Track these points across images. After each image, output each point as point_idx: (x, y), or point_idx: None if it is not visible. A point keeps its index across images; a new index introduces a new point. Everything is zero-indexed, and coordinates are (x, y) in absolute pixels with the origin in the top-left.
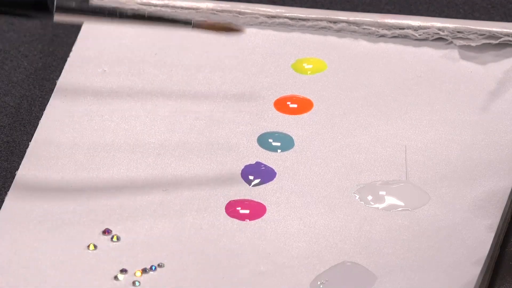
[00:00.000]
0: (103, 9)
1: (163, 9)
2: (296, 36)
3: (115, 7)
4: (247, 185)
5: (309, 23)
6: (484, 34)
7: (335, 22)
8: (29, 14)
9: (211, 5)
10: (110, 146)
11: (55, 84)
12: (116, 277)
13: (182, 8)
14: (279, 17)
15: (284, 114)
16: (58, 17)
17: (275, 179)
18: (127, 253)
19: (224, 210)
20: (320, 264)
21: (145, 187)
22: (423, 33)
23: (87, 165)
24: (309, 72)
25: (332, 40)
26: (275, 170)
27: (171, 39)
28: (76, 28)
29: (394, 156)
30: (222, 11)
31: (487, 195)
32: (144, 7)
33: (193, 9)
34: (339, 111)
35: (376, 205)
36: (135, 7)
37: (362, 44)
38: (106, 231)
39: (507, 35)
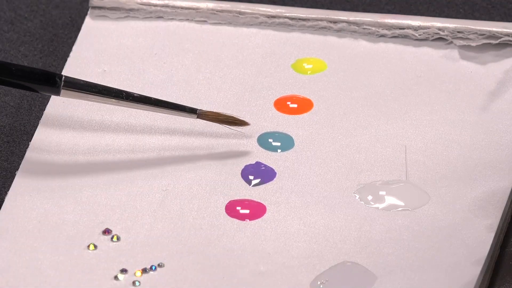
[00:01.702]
0: (110, 90)
1: (163, 9)
2: (296, 36)
3: (121, 90)
4: (247, 185)
5: (309, 23)
6: (484, 34)
7: (335, 22)
8: (36, 88)
9: (211, 5)
10: (110, 146)
11: None
12: (116, 277)
13: (182, 8)
14: (279, 17)
15: (284, 114)
16: (65, 94)
17: (275, 179)
18: (127, 253)
19: (224, 210)
20: (320, 264)
21: (145, 187)
22: (423, 33)
23: (87, 165)
24: (309, 72)
25: (332, 40)
26: (275, 170)
27: (171, 39)
28: (76, 28)
29: (394, 156)
30: (222, 11)
31: (487, 195)
32: (144, 7)
33: (193, 9)
34: (339, 111)
35: (376, 205)
36: (135, 7)
37: (362, 44)
38: (106, 231)
39: (507, 35)
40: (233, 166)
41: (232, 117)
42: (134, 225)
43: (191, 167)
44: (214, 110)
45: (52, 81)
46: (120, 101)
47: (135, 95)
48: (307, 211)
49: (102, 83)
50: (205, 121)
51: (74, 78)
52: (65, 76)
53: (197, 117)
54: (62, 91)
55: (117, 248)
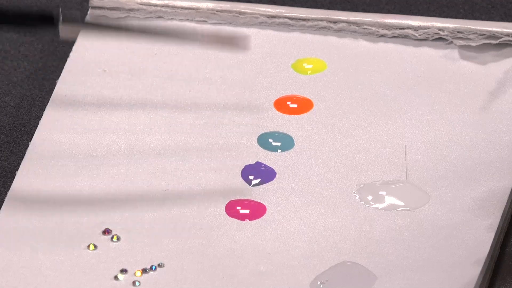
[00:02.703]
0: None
1: (163, 9)
2: (296, 36)
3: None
4: (247, 185)
5: (309, 23)
6: (484, 34)
7: (335, 22)
8: (35, 27)
9: (211, 5)
10: (110, 146)
11: (55, 84)
12: (116, 277)
13: (182, 8)
14: (279, 17)
15: (284, 114)
16: (63, 30)
17: (275, 179)
18: (127, 253)
19: (224, 210)
20: (320, 264)
21: (145, 187)
22: (423, 33)
23: (87, 165)
24: (309, 72)
25: (332, 40)
26: (275, 170)
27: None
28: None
29: (394, 156)
30: (222, 11)
31: (487, 195)
32: (144, 7)
33: (193, 9)
34: (339, 111)
35: (376, 205)
36: (135, 7)
37: (362, 44)
38: (106, 231)
39: (507, 35)
40: (233, 166)
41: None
42: (134, 225)
43: (191, 167)
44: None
45: (49, 18)
46: (120, 31)
47: (134, 24)
48: (307, 211)
49: (102, 83)
50: (205, 121)
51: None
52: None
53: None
54: (61, 27)
55: (117, 248)
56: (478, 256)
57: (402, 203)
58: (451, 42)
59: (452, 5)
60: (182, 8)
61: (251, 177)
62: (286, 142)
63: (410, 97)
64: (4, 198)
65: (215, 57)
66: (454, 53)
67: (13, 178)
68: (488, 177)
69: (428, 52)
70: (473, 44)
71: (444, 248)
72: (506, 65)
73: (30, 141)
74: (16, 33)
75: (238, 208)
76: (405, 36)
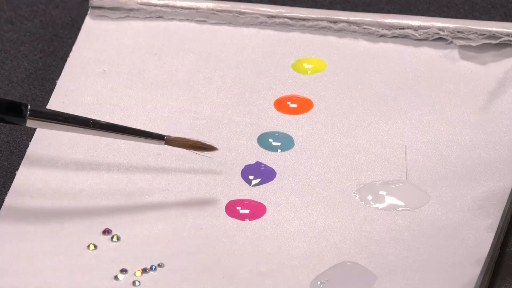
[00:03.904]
0: (76, 118)
1: (163, 9)
2: (296, 36)
3: (88, 118)
4: (247, 185)
5: (309, 23)
6: (484, 34)
7: (335, 22)
8: (3, 118)
9: (211, 5)
10: (110, 146)
11: (55, 84)
12: (116, 277)
13: (182, 8)
14: (279, 17)
15: (284, 114)
16: (31, 123)
17: (275, 179)
18: (127, 253)
19: (224, 210)
20: (320, 264)
21: (145, 187)
22: (423, 33)
23: (87, 165)
24: (309, 72)
25: (332, 40)
26: (275, 170)
27: (171, 39)
28: (76, 28)
29: (394, 156)
30: (222, 11)
31: (487, 195)
32: (144, 7)
33: (193, 9)
34: (339, 111)
35: (376, 205)
36: (135, 7)
37: (362, 44)
38: (106, 231)
39: (507, 35)
40: (233, 166)
41: (200, 142)
42: (134, 225)
43: (191, 167)
44: (181, 136)
45: (18, 111)
46: (87, 129)
47: (102, 122)
48: (307, 211)
49: (102, 83)
50: (204, 121)
51: (40, 107)
52: (30, 105)
53: (165, 143)
54: (28, 120)
55: (117, 248)
56: (478, 256)
57: (402, 203)
58: (451, 42)
59: (452, 5)
60: (182, 8)
61: (251, 177)
62: (286, 142)
63: (410, 97)
64: (4, 198)
65: (215, 57)
66: (454, 53)
67: (13, 178)
68: (488, 177)
69: (428, 52)
70: (473, 44)
71: (444, 248)
72: (506, 65)
73: (30, 141)
74: (15, 33)
75: (238, 208)
76: (405, 36)
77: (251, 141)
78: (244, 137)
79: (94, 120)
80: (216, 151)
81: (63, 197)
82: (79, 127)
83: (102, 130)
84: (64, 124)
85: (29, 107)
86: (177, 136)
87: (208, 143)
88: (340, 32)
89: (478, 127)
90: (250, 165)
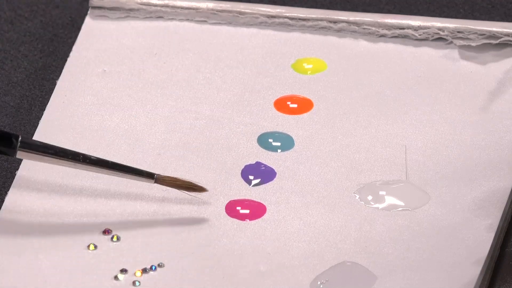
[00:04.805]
0: (66, 152)
1: (163, 9)
2: (296, 36)
3: (78, 152)
4: (247, 185)
5: (309, 23)
6: (484, 34)
7: (335, 22)
8: None
9: (211, 5)
10: (110, 146)
11: (55, 84)
12: (116, 277)
13: (182, 8)
14: (279, 17)
15: (284, 114)
16: (21, 155)
17: (275, 179)
18: (127, 253)
19: (224, 210)
20: (320, 264)
21: (145, 187)
22: (423, 33)
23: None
24: (309, 72)
25: (332, 40)
26: (275, 170)
27: (171, 39)
28: (76, 28)
29: (394, 156)
30: (222, 11)
31: (487, 195)
32: (144, 7)
33: (193, 9)
34: (339, 111)
35: (376, 205)
36: (135, 7)
37: (362, 44)
38: (106, 231)
39: (507, 35)
40: (233, 166)
41: (190, 182)
42: (134, 225)
43: (191, 167)
44: (172, 175)
45: (8, 142)
46: (77, 164)
47: (92, 157)
48: (307, 211)
49: (102, 83)
50: (205, 121)
51: (31, 139)
52: (21, 136)
53: (155, 182)
54: (18, 152)
55: (117, 248)
56: (478, 256)
57: (402, 203)
58: (451, 42)
59: (452, 5)
60: (182, 8)
61: (251, 177)
62: (286, 142)
63: (410, 97)
64: (4, 198)
65: (215, 57)
66: (454, 53)
67: (13, 178)
68: (488, 177)
69: (428, 52)
70: (473, 44)
71: (444, 248)
72: (506, 65)
73: None
74: (15, 33)
75: (238, 208)
76: (405, 36)
77: (251, 141)
78: (244, 137)
79: (84, 155)
80: (205, 192)
81: (63, 196)
82: (69, 161)
83: (91, 165)
84: (53, 158)
85: (19, 138)
86: (166, 175)
87: (198, 184)
88: (340, 32)
89: (478, 127)
90: (250, 165)
